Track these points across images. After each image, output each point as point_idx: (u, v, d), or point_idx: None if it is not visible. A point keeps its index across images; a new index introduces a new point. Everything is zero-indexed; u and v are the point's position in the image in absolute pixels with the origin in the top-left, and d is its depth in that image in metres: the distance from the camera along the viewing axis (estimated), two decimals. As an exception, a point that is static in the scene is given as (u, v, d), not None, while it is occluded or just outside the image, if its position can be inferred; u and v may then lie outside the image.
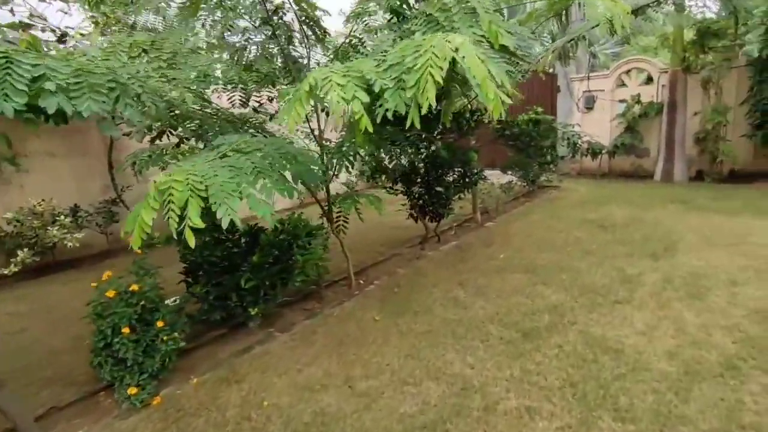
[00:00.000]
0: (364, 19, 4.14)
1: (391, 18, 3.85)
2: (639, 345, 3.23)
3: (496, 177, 8.64)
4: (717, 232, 5.74)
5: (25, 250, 5.39)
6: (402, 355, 3.37)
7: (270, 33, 3.95)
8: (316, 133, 4.34)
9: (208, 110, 3.66)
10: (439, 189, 5.35)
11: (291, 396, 2.97)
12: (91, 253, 6.74)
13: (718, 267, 4.56)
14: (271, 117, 4.68)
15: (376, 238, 6.72)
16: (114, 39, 3.25)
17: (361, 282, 4.99)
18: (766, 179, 8.86)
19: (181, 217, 2.02)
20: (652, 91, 10.40)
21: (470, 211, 7.21)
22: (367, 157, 5.05)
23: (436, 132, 5.07)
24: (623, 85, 10.98)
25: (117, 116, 3.12)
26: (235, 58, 3.88)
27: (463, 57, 1.94)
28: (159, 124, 3.67)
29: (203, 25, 4.18)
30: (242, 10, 3.98)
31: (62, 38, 5.98)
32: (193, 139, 3.76)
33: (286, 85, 4.21)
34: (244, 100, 4.40)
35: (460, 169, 5.51)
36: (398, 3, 3.68)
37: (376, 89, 2.06)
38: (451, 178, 5.72)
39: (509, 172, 8.08)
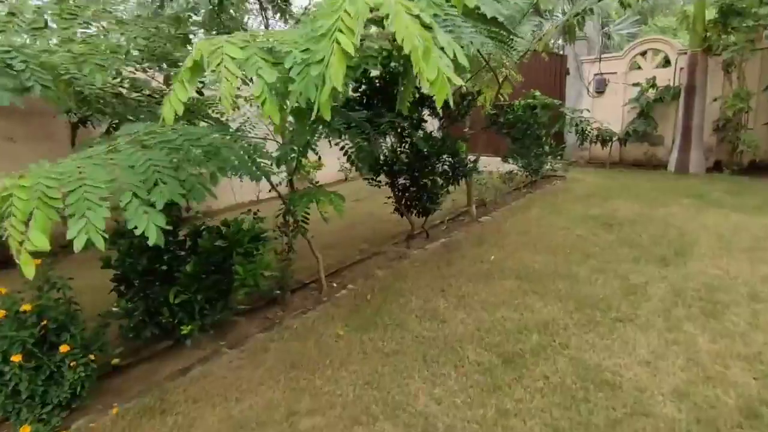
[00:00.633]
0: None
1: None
2: (641, 379, 2.71)
3: (497, 165, 8.05)
4: (735, 234, 5.14)
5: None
6: (360, 382, 2.87)
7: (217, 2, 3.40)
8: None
9: (137, 94, 3.13)
10: (425, 182, 4.80)
11: (220, 435, 2.50)
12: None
13: (738, 277, 3.99)
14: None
15: (361, 232, 6.21)
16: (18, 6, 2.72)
17: (334, 285, 4.49)
18: (790, 172, 8.17)
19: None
20: (669, 75, 9.65)
21: (465, 203, 6.64)
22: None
23: (415, 119, 4.50)
24: (638, 67, 10.23)
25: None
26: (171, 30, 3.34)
27: (388, 17, 1.37)
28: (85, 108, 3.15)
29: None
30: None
31: None
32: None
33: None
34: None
35: (449, 160, 4.95)
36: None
37: (288, 65, 1.51)
38: (440, 170, 5.16)
39: (510, 161, 7.47)
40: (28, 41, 2.62)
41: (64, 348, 2.46)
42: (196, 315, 3.02)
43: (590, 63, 10.63)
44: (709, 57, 8.73)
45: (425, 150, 4.33)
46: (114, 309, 3.07)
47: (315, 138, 3.66)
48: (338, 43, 1.30)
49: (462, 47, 2.14)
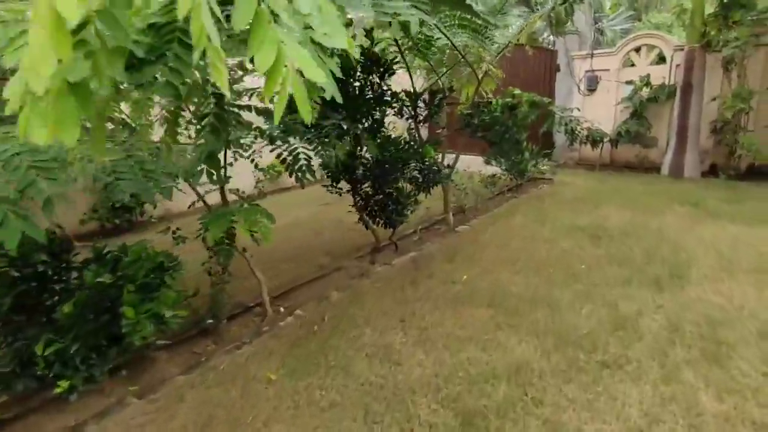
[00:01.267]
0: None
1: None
2: (631, 455, 2.15)
3: (480, 166, 7.48)
4: (737, 250, 4.61)
5: None
6: (282, 452, 2.30)
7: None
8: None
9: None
10: (389, 191, 4.22)
11: None
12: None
13: (743, 308, 3.45)
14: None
15: (325, 242, 5.61)
16: None
17: (282, 310, 3.90)
18: (791, 177, 7.69)
19: None
20: (664, 72, 9.11)
21: (442, 209, 6.06)
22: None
23: (372, 120, 3.90)
24: (631, 64, 9.68)
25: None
26: None
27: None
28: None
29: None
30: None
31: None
32: None
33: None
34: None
35: (418, 166, 4.37)
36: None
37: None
38: (410, 176, 4.57)
39: (493, 163, 6.89)
40: None
41: None
42: (78, 366, 2.41)
43: (581, 59, 10.07)
44: (708, 53, 8.20)
45: (381, 156, 3.75)
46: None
47: (251, 140, 3.07)
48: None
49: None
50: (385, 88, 3.84)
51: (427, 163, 4.21)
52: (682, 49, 8.59)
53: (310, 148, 3.06)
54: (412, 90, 4.07)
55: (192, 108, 2.84)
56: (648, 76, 9.06)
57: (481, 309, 3.65)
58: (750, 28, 7.45)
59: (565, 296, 3.78)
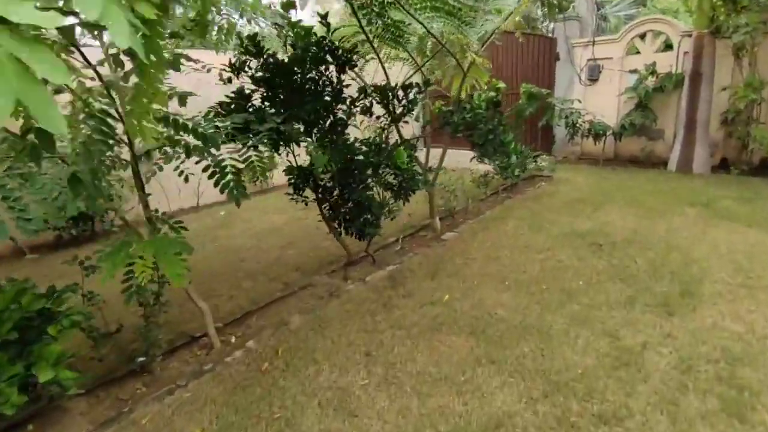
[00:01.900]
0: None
1: None
2: None
3: (474, 162, 6.93)
4: (756, 261, 4.08)
5: None
6: None
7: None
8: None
9: None
10: (359, 199, 3.71)
11: None
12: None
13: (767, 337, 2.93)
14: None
15: (297, 254, 5.12)
16: None
17: (233, 340, 3.42)
18: (809, 173, 7.12)
19: None
20: (671, 60, 8.51)
21: (427, 213, 5.53)
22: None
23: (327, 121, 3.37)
24: (636, 52, 9.07)
25: None
26: None
27: None
28: None
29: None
30: None
31: None
32: None
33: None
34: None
35: (392, 171, 3.85)
36: None
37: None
38: (384, 182, 4.06)
39: (485, 161, 6.34)
40: None
41: None
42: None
43: (582, 47, 9.46)
44: (718, 39, 7.59)
45: (337, 165, 3.23)
46: None
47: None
48: None
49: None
50: (348, 82, 3.31)
51: (403, 167, 3.69)
52: (690, 35, 7.98)
53: (241, 159, 2.55)
54: (387, 84, 3.54)
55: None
56: (654, 64, 8.47)
57: (461, 338, 3.15)
58: (759, 14, 6.83)
59: (558, 322, 3.27)
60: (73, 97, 2.38)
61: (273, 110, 2.85)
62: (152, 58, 1.75)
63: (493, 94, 4.05)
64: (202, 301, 3.18)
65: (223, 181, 2.38)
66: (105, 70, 2.40)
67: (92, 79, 2.41)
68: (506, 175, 5.41)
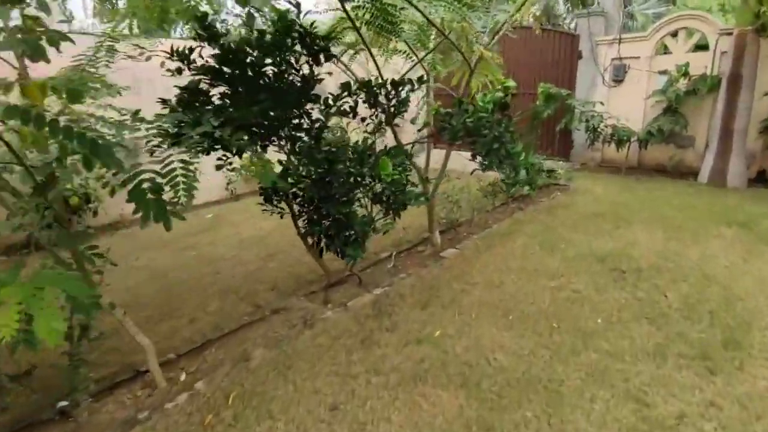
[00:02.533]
0: None
1: None
2: None
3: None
4: (813, 302, 3.41)
5: None
6: None
7: None
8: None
9: None
10: (338, 216, 3.15)
11: None
12: None
13: (842, 415, 2.30)
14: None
15: (277, 268, 4.58)
16: None
17: (182, 378, 2.90)
18: None
19: None
20: (706, 61, 7.74)
21: (427, 224, 4.94)
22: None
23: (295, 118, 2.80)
24: (666, 51, 8.32)
25: None
26: None
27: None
28: None
29: None
30: None
31: None
32: None
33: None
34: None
35: (378, 184, 3.28)
36: None
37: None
38: (372, 195, 3.49)
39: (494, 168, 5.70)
40: None
41: None
42: None
43: (607, 45, 8.72)
44: (762, 38, 6.82)
45: (295, 179, 2.68)
46: None
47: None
48: None
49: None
50: (323, 76, 2.74)
51: (389, 180, 3.11)
52: (730, 34, 7.21)
53: (192, 162, 2.00)
54: (371, 80, 2.96)
55: None
56: (687, 64, 7.70)
57: (450, 392, 2.57)
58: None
59: (571, 376, 2.67)
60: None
61: (232, 108, 2.30)
62: None
63: (500, 94, 3.45)
64: (142, 335, 2.66)
65: (140, 200, 1.83)
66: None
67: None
68: (512, 193, 4.78)
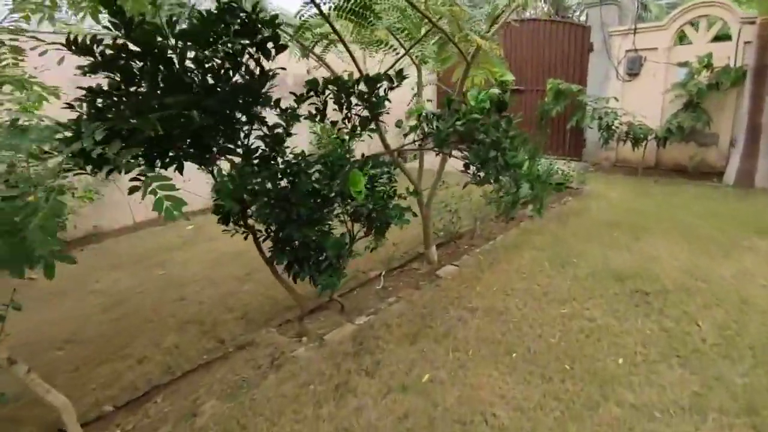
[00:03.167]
0: None
1: None
2: None
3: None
4: None
5: None
6: None
7: None
8: None
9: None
10: (306, 239, 2.65)
11: None
12: None
13: None
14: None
15: (255, 289, 4.11)
16: None
17: (117, 437, 2.43)
18: None
19: None
20: (729, 51, 7.11)
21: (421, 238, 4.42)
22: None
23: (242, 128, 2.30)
24: (682, 41, 7.70)
25: None
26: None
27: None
28: None
29: None
30: None
31: None
32: None
33: None
34: None
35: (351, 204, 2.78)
36: None
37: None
38: (352, 212, 2.99)
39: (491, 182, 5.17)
40: None
41: None
42: None
43: (621, 36, 8.11)
44: (793, 25, 6.20)
45: (232, 189, 2.18)
46: None
47: None
48: None
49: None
50: (277, 72, 2.25)
51: (360, 197, 2.59)
52: (753, 23, 6.59)
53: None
54: (341, 77, 2.46)
55: None
56: (709, 56, 7.08)
57: (435, 465, 2.07)
58: None
59: (586, 442, 2.15)
60: None
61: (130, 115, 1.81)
62: None
63: (496, 91, 2.93)
64: (55, 393, 2.18)
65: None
66: None
67: None
68: (511, 215, 4.22)
